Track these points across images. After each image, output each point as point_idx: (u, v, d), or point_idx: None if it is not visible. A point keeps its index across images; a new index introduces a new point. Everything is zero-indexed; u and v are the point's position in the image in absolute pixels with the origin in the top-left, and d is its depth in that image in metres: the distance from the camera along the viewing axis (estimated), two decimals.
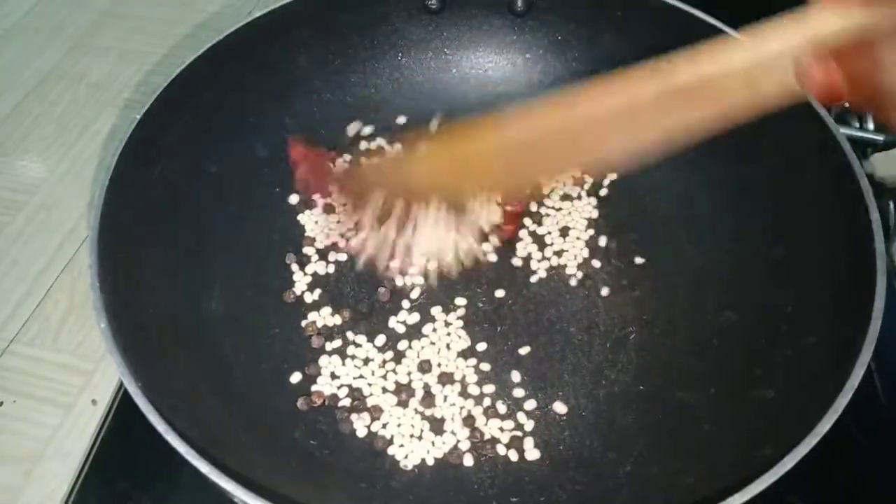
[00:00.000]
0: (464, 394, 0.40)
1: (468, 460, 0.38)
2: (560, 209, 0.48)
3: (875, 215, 0.36)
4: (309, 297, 0.44)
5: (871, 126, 0.49)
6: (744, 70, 0.28)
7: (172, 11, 0.68)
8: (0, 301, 0.49)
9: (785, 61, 0.27)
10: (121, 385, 0.43)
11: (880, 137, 0.48)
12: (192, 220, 0.42)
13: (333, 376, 0.41)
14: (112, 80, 0.63)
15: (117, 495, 0.39)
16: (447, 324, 0.43)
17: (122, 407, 0.42)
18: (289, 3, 0.46)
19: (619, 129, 0.31)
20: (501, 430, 0.39)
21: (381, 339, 0.42)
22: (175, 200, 0.41)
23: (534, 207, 0.48)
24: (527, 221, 0.47)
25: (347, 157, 0.49)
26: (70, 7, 0.69)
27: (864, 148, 0.48)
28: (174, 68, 0.42)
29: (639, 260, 0.45)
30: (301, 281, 0.44)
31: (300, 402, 0.39)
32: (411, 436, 0.39)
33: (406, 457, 0.38)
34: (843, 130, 0.45)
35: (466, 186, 0.37)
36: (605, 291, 0.44)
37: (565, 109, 0.31)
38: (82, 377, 0.45)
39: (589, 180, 0.49)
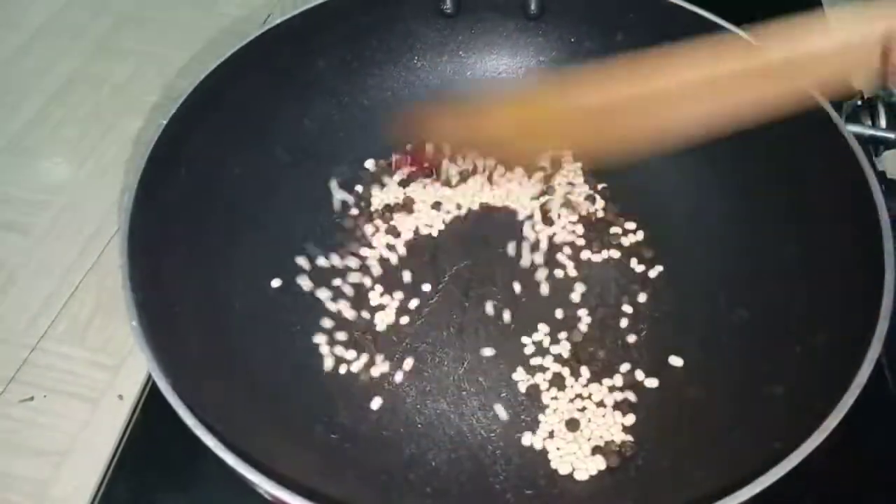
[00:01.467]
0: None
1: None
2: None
3: (885, 214, 0.36)
4: (327, 294, 0.44)
5: (882, 124, 0.48)
6: (832, 51, 0.27)
7: (192, 15, 0.69)
8: (29, 299, 0.50)
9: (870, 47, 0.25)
10: (147, 380, 0.44)
11: (892, 135, 0.48)
12: (217, 221, 0.43)
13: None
14: (134, 84, 0.64)
15: (146, 487, 0.40)
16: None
17: (149, 402, 0.43)
18: (308, 9, 0.46)
19: (697, 101, 0.30)
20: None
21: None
22: (200, 201, 0.42)
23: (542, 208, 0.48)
24: (537, 222, 0.47)
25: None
26: (92, 11, 0.70)
27: (875, 146, 0.48)
28: (196, 72, 0.43)
29: (650, 257, 0.46)
30: (321, 278, 0.45)
31: None
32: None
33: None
34: (855, 129, 0.45)
35: (539, 145, 0.37)
36: (615, 290, 0.45)
37: (645, 75, 0.30)
38: (109, 373, 0.47)
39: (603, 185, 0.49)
